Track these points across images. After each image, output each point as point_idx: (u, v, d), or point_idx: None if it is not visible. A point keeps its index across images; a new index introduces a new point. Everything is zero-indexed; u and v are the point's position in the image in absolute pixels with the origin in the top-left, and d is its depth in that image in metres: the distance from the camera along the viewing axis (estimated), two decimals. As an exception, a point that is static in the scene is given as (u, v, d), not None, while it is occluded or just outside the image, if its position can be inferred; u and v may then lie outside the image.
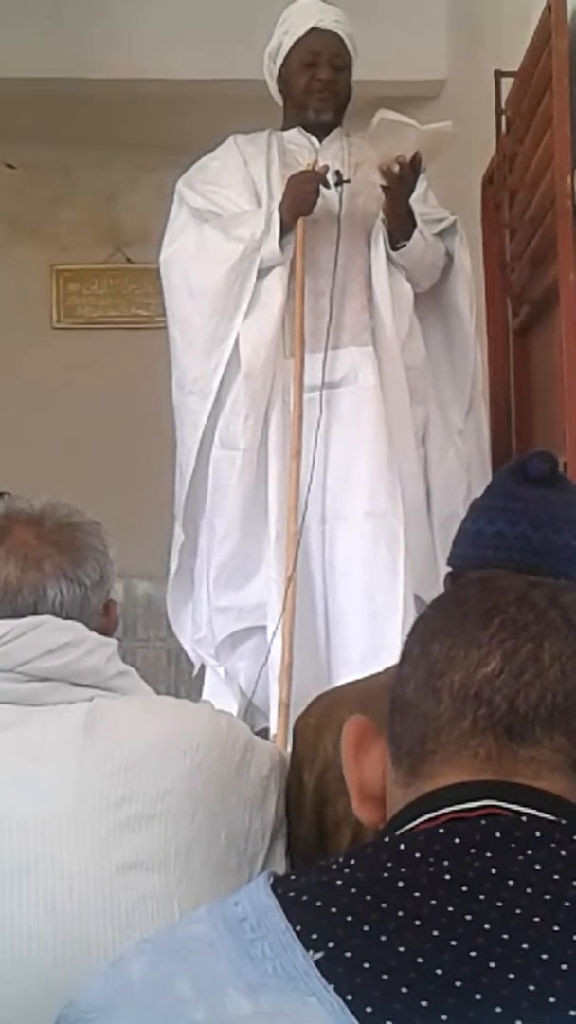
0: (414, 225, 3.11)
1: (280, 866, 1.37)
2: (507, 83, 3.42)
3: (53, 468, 4.65)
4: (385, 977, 0.66)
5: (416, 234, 3.11)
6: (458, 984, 0.65)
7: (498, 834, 0.73)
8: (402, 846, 0.74)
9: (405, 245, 3.11)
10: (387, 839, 0.76)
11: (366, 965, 0.66)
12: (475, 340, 3.31)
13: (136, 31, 4.58)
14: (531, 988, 0.65)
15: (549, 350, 3.20)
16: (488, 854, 0.72)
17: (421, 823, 0.76)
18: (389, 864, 0.73)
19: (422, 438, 3.20)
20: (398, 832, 0.76)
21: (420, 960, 0.66)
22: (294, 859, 1.42)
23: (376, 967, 0.66)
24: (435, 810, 0.76)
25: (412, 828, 0.76)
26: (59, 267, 5.65)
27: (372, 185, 3.05)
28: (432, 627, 0.83)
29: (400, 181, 3.00)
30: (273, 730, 2.88)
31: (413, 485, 3.12)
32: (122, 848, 1.23)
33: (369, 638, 2.96)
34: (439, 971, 0.66)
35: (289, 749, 1.58)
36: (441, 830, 0.74)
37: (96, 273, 5.66)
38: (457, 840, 0.73)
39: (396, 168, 2.97)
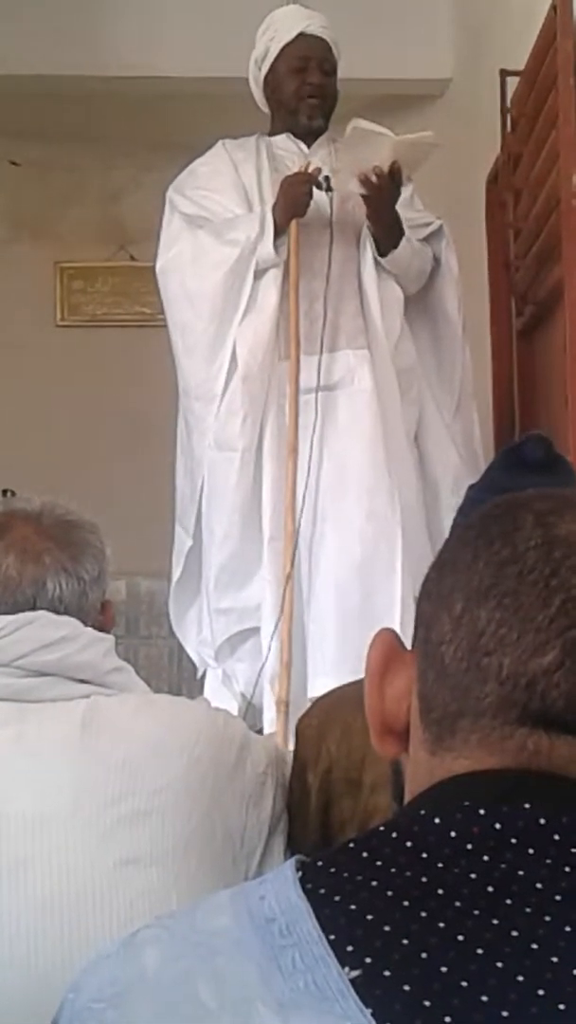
0: (401, 233, 3.12)
1: (278, 862, 1.36)
2: (512, 82, 3.43)
3: (56, 465, 4.66)
4: (427, 1004, 0.61)
5: (403, 242, 3.13)
6: (505, 1015, 0.60)
7: (541, 836, 0.67)
8: (436, 837, 0.68)
9: (392, 252, 3.12)
10: (424, 824, 0.70)
11: (406, 987, 0.61)
12: (463, 342, 3.31)
13: (141, 29, 4.58)
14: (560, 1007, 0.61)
15: (553, 350, 3.20)
16: (531, 850, 0.67)
17: (457, 811, 0.70)
18: (424, 856, 0.67)
19: (415, 437, 3.21)
20: (434, 819, 0.70)
21: (464, 984, 0.61)
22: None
23: (417, 990, 0.61)
24: (473, 798, 0.70)
25: (448, 817, 0.70)
26: (63, 265, 5.65)
27: (355, 192, 3.06)
28: (481, 580, 0.73)
29: (379, 191, 3.02)
30: (267, 730, 2.88)
31: (408, 485, 3.13)
32: (120, 844, 1.23)
33: (367, 639, 2.95)
34: (485, 998, 0.61)
35: (290, 747, 1.58)
36: (477, 830, 0.68)
37: (100, 271, 5.67)
38: (497, 839, 0.67)
39: (373, 178, 2.98)
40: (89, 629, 1.40)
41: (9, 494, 3.97)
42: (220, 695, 3.15)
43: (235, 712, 2.99)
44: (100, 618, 1.48)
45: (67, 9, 4.54)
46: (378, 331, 3.12)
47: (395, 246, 3.12)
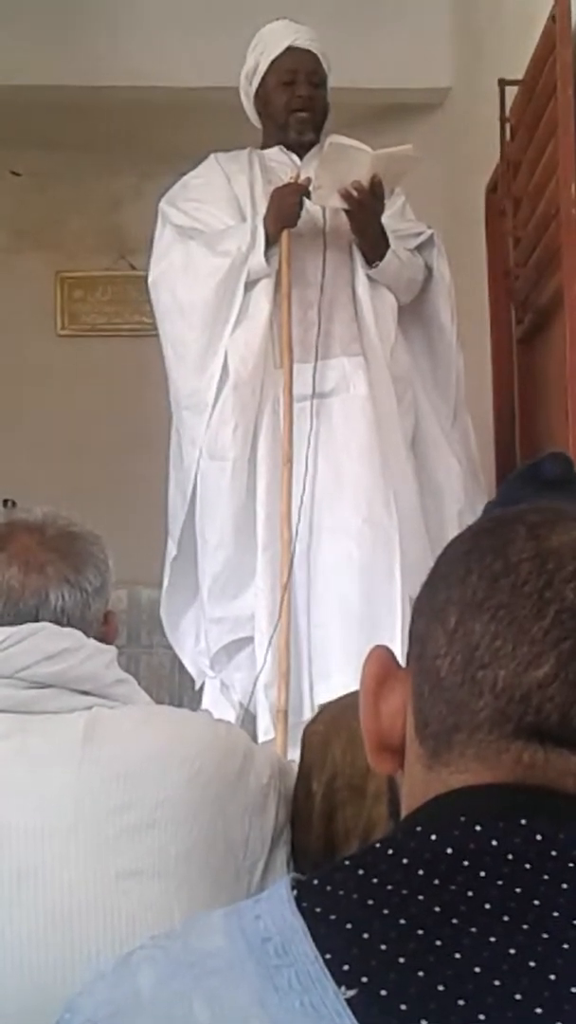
0: (387, 245, 3.14)
1: (281, 875, 1.36)
2: (511, 92, 3.44)
3: (56, 475, 4.66)
4: (424, 1023, 0.61)
5: (389, 254, 3.14)
6: None
7: (538, 852, 0.67)
8: (432, 854, 0.68)
9: (378, 264, 3.14)
10: (421, 840, 0.69)
11: (403, 1007, 0.61)
12: (457, 350, 3.32)
13: (142, 39, 4.59)
14: None
15: (553, 358, 3.20)
16: (528, 867, 0.67)
17: (454, 827, 0.70)
18: (421, 873, 0.67)
19: (411, 443, 3.21)
20: (430, 836, 0.69)
21: (461, 1003, 0.61)
22: (302, 870, 1.41)
23: (414, 1010, 0.61)
24: (469, 814, 0.69)
25: (444, 833, 0.70)
26: (64, 274, 5.66)
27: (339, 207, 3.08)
28: (475, 593, 0.73)
29: (360, 206, 3.03)
30: (261, 739, 2.88)
31: (406, 491, 3.14)
32: (122, 856, 1.23)
33: (368, 644, 2.96)
34: (482, 1016, 0.61)
35: (289, 756, 1.58)
36: (473, 846, 0.68)
37: (100, 280, 5.67)
38: (494, 856, 0.67)
39: (355, 193, 3.00)
40: (92, 641, 1.39)
41: (10, 504, 3.97)
42: (219, 705, 3.15)
43: (233, 722, 2.99)
44: (103, 629, 1.48)
45: (68, 20, 4.55)
46: (372, 338, 3.14)
47: (381, 257, 3.13)
